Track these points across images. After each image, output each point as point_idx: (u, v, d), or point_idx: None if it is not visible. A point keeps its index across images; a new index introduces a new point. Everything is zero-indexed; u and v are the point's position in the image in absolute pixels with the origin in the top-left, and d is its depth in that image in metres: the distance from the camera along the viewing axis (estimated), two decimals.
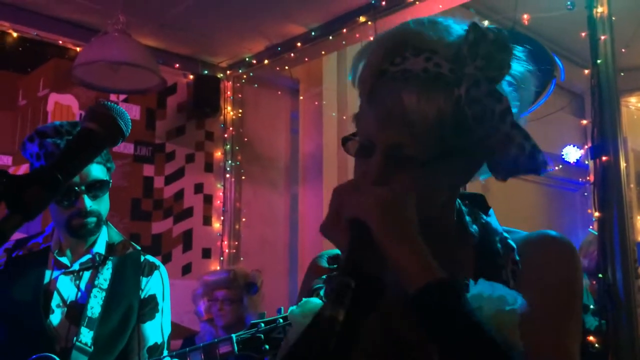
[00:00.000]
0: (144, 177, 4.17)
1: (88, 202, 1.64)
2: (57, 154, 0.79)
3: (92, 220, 1.68)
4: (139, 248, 1.85)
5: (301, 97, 4.81)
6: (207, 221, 4.46)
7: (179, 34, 4.08)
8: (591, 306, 3.13)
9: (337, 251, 1.02)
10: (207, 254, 4.41)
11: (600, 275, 2.47)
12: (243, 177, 4.59)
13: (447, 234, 0.93)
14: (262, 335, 1.66)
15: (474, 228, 0.94)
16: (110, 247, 1.78)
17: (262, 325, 1.68)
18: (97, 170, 1.67)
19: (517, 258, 0.89)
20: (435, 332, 0.74)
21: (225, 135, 4.58)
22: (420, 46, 0.85)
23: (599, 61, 2.54)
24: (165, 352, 1.76)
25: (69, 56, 3.86)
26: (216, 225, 4.50)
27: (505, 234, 0.94)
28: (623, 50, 2.69)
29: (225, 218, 4.50)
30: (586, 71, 2.62)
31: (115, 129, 0.87)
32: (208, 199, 4.48)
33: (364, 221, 0.78)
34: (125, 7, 3.41)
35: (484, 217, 0.97)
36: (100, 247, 1.76)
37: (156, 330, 1.76)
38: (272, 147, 4.85)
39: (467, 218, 0.95)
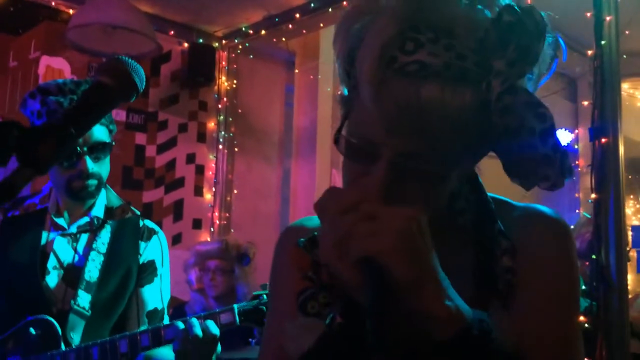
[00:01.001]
0: (136, 145, 4.12)
1: (90, 164, 1.60)
2: (70, 107, 0.76)
3: (93, 182, 1.64)
4: (138, 213, 1.82)
5: (297, 71, 4.76)
6: (198, 192, 4.42)
7: (175, 1, 4.00)
8: (582, 287, 3.17)
9: (311, 222, 0.92)
10: (197, 224, 4.39)
11: (593, 257, 2.48)
12: (236, 149, 4.55)
13: (444, 232, 0.80)
14: (265, 308, 1.65)
15: (465, 217, 0.84)
16: (109, 210, 1.75)
17: (265, 297, 1.67)
18: (100, 132, 1.62)
19: (512, 253, 0.81)
20: None
21: (219, 106, 4.53)
22: (438, 23, 0.68)
23: (603, 42, 2.53)
24: (166, 318, 1.74)
25: (61, 19, 3.77)
26: (207, 196, 4.47)
27: (500, 225, 0.83)
28: (627, 32, 2.68)
29: (217, 189, 4.47)
30: (590, 52, 2.60)
31: (130, 84, 0.83)
32: (200, 170, 4.44)
33: (382, 263, 0.64)
34: None
35: (477, 197, 0.86)
36: (98, 211, 1.73)
37: (155, 295, 1.74)
38: (266, 119, 4.80)
39: (459, 203, 0.84)
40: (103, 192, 1.75)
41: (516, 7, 0.68)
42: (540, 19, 0.69)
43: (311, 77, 4.55)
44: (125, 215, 1.77)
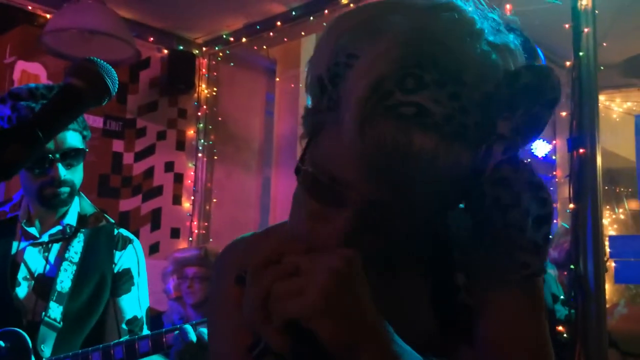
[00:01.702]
0: (113, 152, 4.05)
1: (62, 171, 1.56)
2: (38, 110, 0.73)
3: (65, 190, 1.60)
4: (112, 221, 1.78)
5: (277, 79, 4.74)
6: (176, 200, 4.36)
7: (155, 7, 3.96)
8: (561, 297, 3.19)
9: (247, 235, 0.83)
10: (175, 233, 4.33)
11: (572, 266, 2.49)
12: (215, 157, 4.51)
13: (399, 264, 0.75)
14: None
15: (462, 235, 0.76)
16: (82, 218, 1.71)
17: None
18: (73, 138, 1.58)
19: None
20: None
21: (199, 114, 4.48)
22: (447, 64, 0.57)
23: (581, 53, 2.56)
24: (145, 327, 1.70)
25: (38, 23, 3.70)
26: (186, 205, 4.41)
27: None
28: (604, 44, 2.72)
29: (196, 198, 4.42)
30: (568, 63, 2.63)
31: (102, 87, 0.80)
32: (178, 178, 4.38)
33: (313, 327, 0.56)
34: None
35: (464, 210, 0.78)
36: (71, 219, 1.68)
37: (134, 304, 1.71)
38: (247, 127, 4.77)
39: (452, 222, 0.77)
40: (76, 199, 1.71)
41: (537, 67, 0.60)
42: (558, 84, 0.61)
43: (292, 85, 4.54)
44: (99, 224, 1.73)
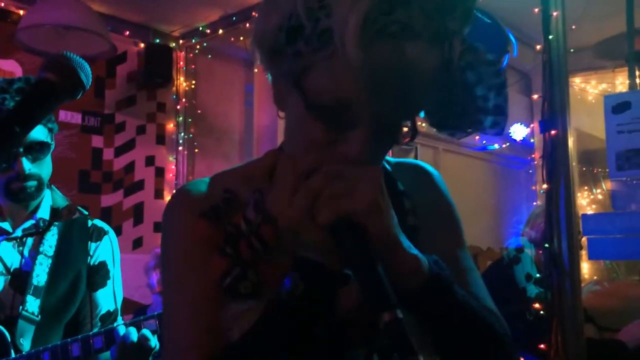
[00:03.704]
0: (93, 148, 4.05)
1: (27, 165, 1.56)
2: (14, 105, 0.75)
3: (32, 184, 1.59)
4: (85, 213, 1.78)
5: (255, 70, 4.75)
6: (158, 194, 4.37)
7: (130, 0, 3.94)
8: (536, 275, 3.26)
9: (199, 187, 0.85)
10: (158, 227, 4.33)
11: (546, 245, 2.56)
12: (196, 150, 4.51)
13: None
14: None
15: None
16: (55, 212, 1.71)
17: None
18: (37, 131, 1.57)
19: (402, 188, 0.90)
20: (439, 324, 0.74)
21: (178, 107, 4.48)
22: None
23: (550, 37, 2.60)
24: (120, 319, 1.72)
25: (11, 20, 3.67)
26: (168, 198, 4.41)
27: (400, 185, 0.90)
28: (573, 27, 2.77)
29: None
30: (538, 46, 2.68)
31: (76, 80, 0.83)
32: (160, 172, 4.39)
33: (362, 223, 0.65)
34: None
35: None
36: (44, 212, 1.68)
37: (108, 298, 1.71)
38: (226, 119, 4.78)
39: None
40: (48, 193, 1.71)
41: None
42: None
43: None
44: (72, 216, 1.73)
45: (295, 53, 0.71)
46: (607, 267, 3.81)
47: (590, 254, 2.57)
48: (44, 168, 1.63)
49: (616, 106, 2.50)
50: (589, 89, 5.84)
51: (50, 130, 1.63)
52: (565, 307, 2.47)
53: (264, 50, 0.75)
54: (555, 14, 2.65)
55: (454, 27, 0.71)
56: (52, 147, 1.64)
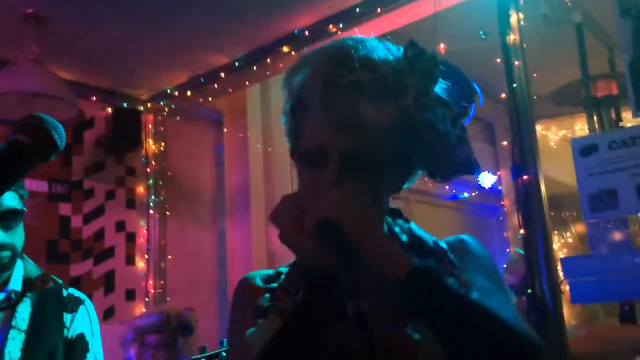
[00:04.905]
0: (60, 216, 3.93)
1: (1, 235, 1.50)
2: None
3: (6, 254, 1.53)
4: (60, 281, 1.70)
5: (225, 130, 4.76)
6: (130, 260, 4.24)
7: (95, 66, 3.94)
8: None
9: (268, 272, 1.03)
10: (131, 295, 4.19)
11: (529, 291, 2.55)
12: (168, 213, 4.43)
13: None
14: None
15: (404, 237, 0.99)
16: (27, 282, 1.62)
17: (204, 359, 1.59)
18: (9, 198, 1.52)
19: (451, 257, 0.97)
20: (428, 312, 0.79)
21: (148, 170, 4.42)
22: (362, 62, 0.88)
23: (514, 85, 2.68)
24: None
25: None
26: (140, 264, 4.29)
27: (433, 237, 1.02)
28: (535, 75, 2.86)
29: (150, 256, 4.31)
30: (503, 95, 2.75)
31: (49, 142, 0.80)
32: (131, 237, 4.27)
33: (336, 221, 0.78)
34: (37, 37, 3.26)
35: (408, 225, 1.04)
36: (15, 284, 1.60)
37: None
38: (197, 181, 4.73)
39: (396, 228, 1.00)
40: (19, 263, 1.63)
41: (417, 44, 0.92)
42: (433, 52, 0.93)
43: (240, 135, 4.56)
44: (46, 286, 1.65)
45: (295, 124, 0.95)
46: (588, 310, 3.81)
47: (572, 298, 2.57)
48: (17, 237, 1.57)
49: (583, 149, 2.56)
50: (550, 135, 6.01)
51: (21, 196, 1.58)
52: (553, 352, 2.44)
53: (288, 139, 0.99)
54: (517, 63, 2.74)
55: (412, 83, 0.89)
56: (24, 213, 1.58)
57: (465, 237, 1.03)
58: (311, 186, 0.90)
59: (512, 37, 2.76)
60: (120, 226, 4.23)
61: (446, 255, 0.97)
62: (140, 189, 4.40)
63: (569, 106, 5.01)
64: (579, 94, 3.94)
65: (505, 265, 3.58)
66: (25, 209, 1.58)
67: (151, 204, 4.37)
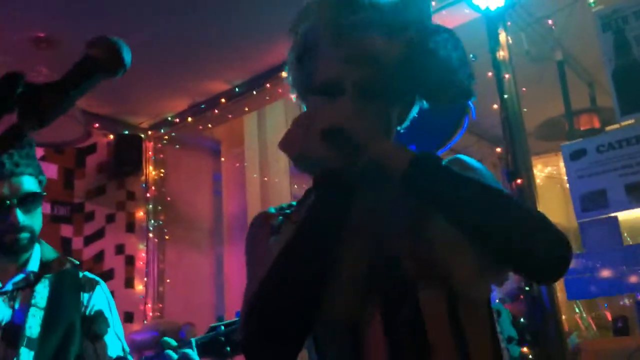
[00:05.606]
0: (62, 237, 3.98)
1: (21, 217, 1.55)
2: (63, 76, 0.81)
3: (25, 235, 1.58)
4: (77, 263, 1.76)
5: (223, 159, 4.86)
6: (129, 283, 4.27)
7: (98, 94, 4.06)
8: (516, 337, 3.31)
9: (280, 205, 1.11)
10: (129, 317, 4.19)
11: (527, 288, 2.63)
12: (166, 237, 4.48)
13: None
14: (223, 338, 1.62)
15: None
16: (44, 264, 1.67)
17: (222, 327, 1.65)
18: (29, 183, 1.58)
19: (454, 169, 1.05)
20: (434, 194, 0.90)
21: (148, 195, 4.50)
22: (365, 2, 0.97)
23: (505, 96, 2.85)
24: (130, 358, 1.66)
25: None
26: (139, 287, 4.31)
27: None
28: (524, 89, 3.03)
29: (149, 280, 4.33)
30: (495, 106, 2.91)
31: (118, 59, 0.90)
32: (130, 260, 4.31)
33: (342, 127, 0.89)
34: (48, 60, 3.39)
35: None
36: (34, 265, 1.65)
37: (115, 344, 1.67)
38: (196, 207, 4.80)
39: None
40: (37, 246, 1.69)
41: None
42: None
43: (237, 164, 4.66)
44: (63, 267, 1.70)
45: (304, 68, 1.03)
46: (583, 321, 3.89)
47: (569, 294, 2.65)
48: (36, 220, 1.63)
49: (573, 153, 2.71)
50: (537, 173, 6.14)
51: (40, 182, 1.65)
52: (552, 346, 2.52)
53: (295, 85, 1.07)
54: (507, 76, 2.91)
55: (412, 17, 0.97)
56: (42, 197, 1.64)
57: (461, 155, 1.10)
58: (322, 106, 0.98)
59: (502, 53, 2.94)
60: (119, 249, 4.28)
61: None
62: (140, 214, 4.46)
63: (552, 142, 5.17)
64: (563, 128, 4.12)
65: None
66: (44, 193, 1.65)
67: (150, 228, 4.43)
